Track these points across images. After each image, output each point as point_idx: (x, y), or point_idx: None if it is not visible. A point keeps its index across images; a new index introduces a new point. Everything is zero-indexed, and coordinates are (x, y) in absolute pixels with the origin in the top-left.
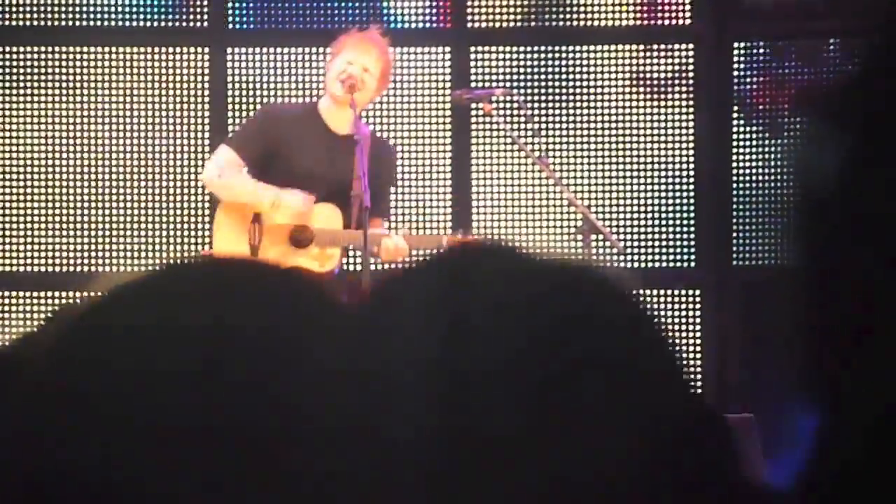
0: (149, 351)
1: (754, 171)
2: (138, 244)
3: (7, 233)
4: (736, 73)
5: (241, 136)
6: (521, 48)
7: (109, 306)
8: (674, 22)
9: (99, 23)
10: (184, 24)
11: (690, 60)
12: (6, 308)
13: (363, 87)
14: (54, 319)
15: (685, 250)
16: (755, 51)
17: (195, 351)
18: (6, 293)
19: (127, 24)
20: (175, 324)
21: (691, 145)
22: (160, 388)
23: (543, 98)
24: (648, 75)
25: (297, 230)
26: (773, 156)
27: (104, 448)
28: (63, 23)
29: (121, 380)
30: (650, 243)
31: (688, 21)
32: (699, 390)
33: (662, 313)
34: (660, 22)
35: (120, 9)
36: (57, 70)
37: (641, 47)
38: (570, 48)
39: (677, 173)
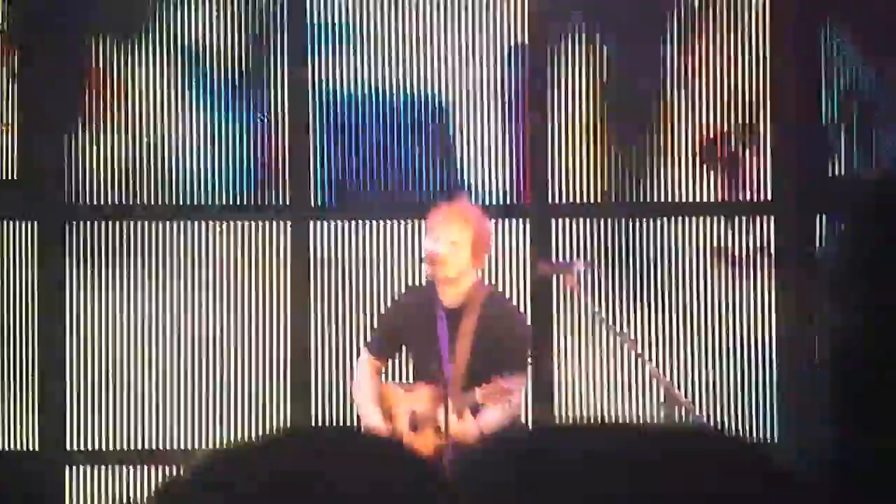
0: None
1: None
2: (224, 420)
3: (102, 411)
4: (818, 245)
5: (373, 336)
6: (603, 221)
7: (215, 476)
8: (755, 198)
9: (182, 201)
10: (267, 201)
11: (772, 234)
12: (100, 484)
13: (447, 262)
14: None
15: (768, 425)
16: (837, 224)
17: None
18: (92, 470)
19: (213, 202)
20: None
21: (773, 318)
22: None
23: (625, 271)
24: (729, 250)
25: (413, 418)
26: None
27: None
28: (153, 201)
29: None
30: (735, 419)
31: (769, 197)
32: None
33: None
34: (741, 198)
35: (204, 187)
36: (143, 247)
37: (723, 220)
38: (652, 220)
39: (759, 347)
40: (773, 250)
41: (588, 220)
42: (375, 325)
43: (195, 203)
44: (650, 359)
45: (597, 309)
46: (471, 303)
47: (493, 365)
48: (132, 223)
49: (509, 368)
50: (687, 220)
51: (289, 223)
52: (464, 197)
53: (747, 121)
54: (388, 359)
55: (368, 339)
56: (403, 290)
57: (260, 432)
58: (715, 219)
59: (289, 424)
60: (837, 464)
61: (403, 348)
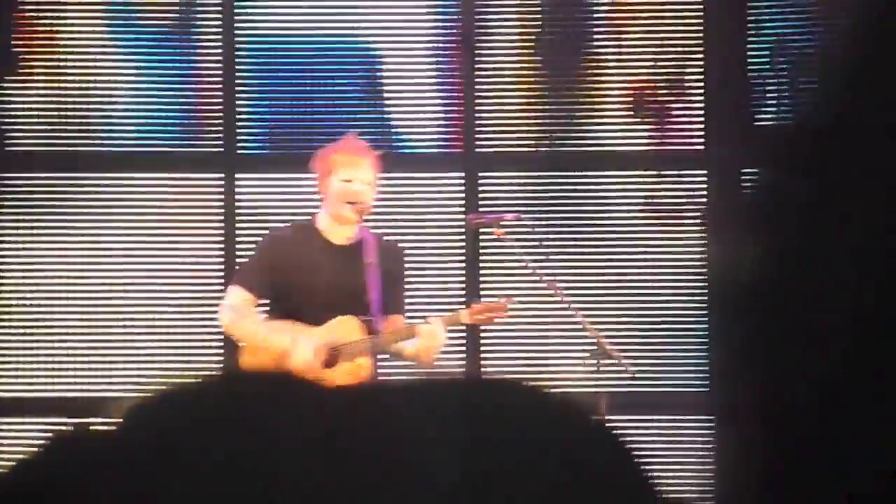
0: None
1: None
2: (152, 368)
3: (20, 358)
4: (748, 200)
5: (246, 271)
6: (531, 173)
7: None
8: (686, 149)
9: (111, 149)
10: (197, 149)
11: (703, 187)
12: (15, 434)
13: (368, 202)
14: (53, 446)
15: (698, 375)
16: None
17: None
18: (16, 419)
19: (141, 150)
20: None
21: (704, 270)
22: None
23: (554, 223)
24: (659, 202)
25: (331, 351)
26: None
27: None
28: (79, 149)
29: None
30: (662, 368)
31: (700, 148)
32: None
33: (674, 440)
34: (672, 148)
35: (133, 136)
36: (73, 197)
37: (653, 173)
38: (580, 174)
39: (689, 297)
40: (703, 201)
41: (517, 172)
42: (248, 261)
43: (123, 152)
44: (579, 310)
45: (525, 260)
46: (364, 240)
47: (392, 294)
48: (61, 172)
49: (398, 310)
50: (617, 171)
51: (220, 174)
52: (352, 135)
53: (677, 71)
54: (262, 295)
55: (240, 274)
56: (270, 233)
57: (192, 380)
58: (645, 171)
59: (220, 371)
60: (768, 412)
61: (285, 285)
